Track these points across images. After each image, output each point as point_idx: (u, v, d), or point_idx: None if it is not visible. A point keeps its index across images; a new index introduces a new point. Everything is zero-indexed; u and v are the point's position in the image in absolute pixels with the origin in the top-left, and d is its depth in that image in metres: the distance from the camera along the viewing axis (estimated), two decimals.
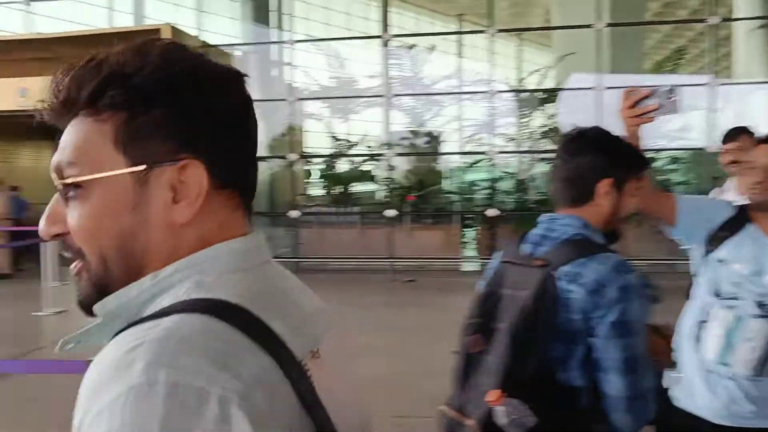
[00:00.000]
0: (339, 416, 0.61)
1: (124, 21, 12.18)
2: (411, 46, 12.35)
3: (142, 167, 0.63)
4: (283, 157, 11.32)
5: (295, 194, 11.50)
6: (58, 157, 0.66)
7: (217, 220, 0.66)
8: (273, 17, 12.22)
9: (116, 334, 0.59)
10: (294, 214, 10.96)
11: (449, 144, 12.93)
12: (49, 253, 7.57)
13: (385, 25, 10.97)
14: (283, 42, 11.35)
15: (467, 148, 12.71)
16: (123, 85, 0.62)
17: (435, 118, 12.76)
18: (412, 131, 12.25)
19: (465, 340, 1.52)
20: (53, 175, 0.66)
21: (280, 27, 12.25)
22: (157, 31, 9.73)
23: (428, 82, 12.72)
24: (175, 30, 9.99)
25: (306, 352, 0.62)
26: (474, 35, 14.87)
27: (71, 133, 0.66)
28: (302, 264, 10.84)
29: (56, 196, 0.66)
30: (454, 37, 15.57)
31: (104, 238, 0.64)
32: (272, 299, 0.65)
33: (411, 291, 9.10)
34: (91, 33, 10.51)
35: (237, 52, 11.89)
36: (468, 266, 10.71)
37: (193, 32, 11.11)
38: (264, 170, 12.09)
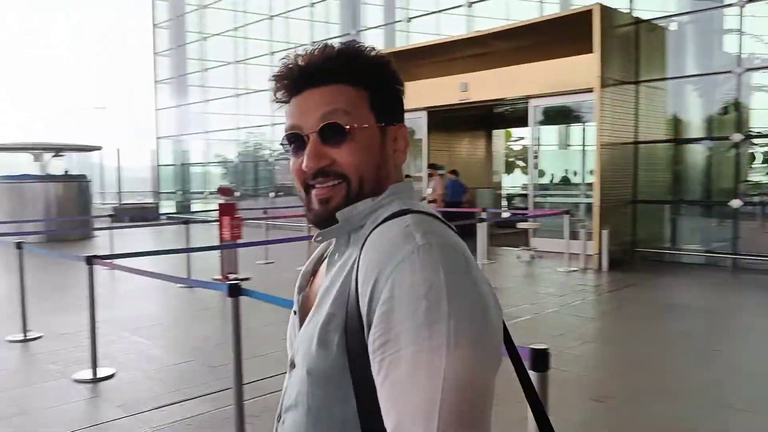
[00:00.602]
0: None
1: (553, 10, 12.32)
2: None
3: (383, 124, 0.99)
4: (725, 138, 9.88)
5: (737, 181, 9.91)
6: (333, 106, 0.94)
7: (397, 170, 1.03)
8: None
9: (344, 235, 0.98)
10: (735, 203, 9.48)
11: None
12: (480, 233, 8.13)
13: None
14: (729, 5, 9.81)
15: None
16: (377, 71, 0.99)
17: None
18: None
19: None
20: (316, 120, 0.95)
21: None
22: (587, 12, 9.49)
23: None
24: (605, 8, 9.60)
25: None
26: None
27: (339, 93, 0.96)
28: (740, 262, 9.31)
29: (315, 138, 0.95)
30: None
31: (366, 166, 0.96)
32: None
33: None
34: (523, 24, 10.90)
35: (672, 25, 10.84)
36: None
37: (624, 9, 10.50)
38: (700, 153, 10.78)
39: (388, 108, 0.99)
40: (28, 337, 5.73)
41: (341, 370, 0.85)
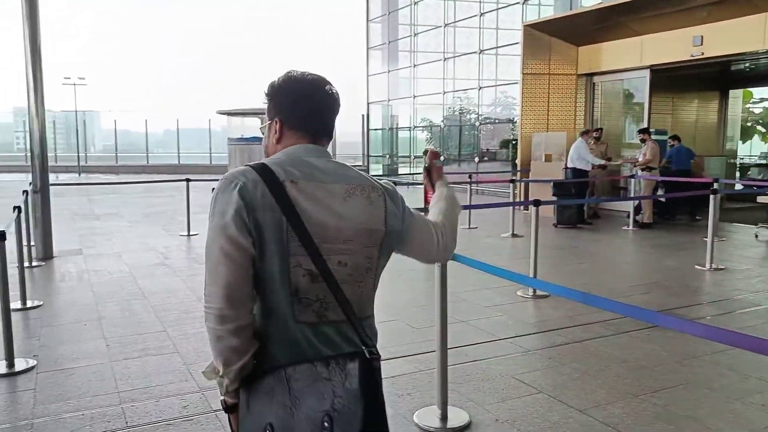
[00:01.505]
0: (311, 224, 1.43)
1: None
2: None
3: (269, 121, 1.62)
4: None
5: None
6: None
7: (286, 144, 1.57)
8: None
9: None
10: None
11: None
12: (712, 206, 7.18)
13: None
14: None
15: None
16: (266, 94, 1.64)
17: None
18: None
19: None
20: None
21: None
22: None
23: None
24: None
25: (289, 179, 1.44)
26: None
27: None
28: None
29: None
30: None
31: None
32: (288, 163, 1.49)
33: None
34: None
35: None
36: None
37: None
38: None
39: (270, 111, 1.63)
40: None
41: None
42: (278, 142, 1.58)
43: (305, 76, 1.58)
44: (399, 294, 5.96)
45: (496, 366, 4.07)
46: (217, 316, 1.38)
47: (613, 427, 3.18)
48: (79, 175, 27.05)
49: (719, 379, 3.82)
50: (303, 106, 1.56)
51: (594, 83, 13.39)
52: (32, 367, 4.02)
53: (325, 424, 1.25)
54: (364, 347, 1.36)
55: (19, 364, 4.04)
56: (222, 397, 1.49)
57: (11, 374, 3.92)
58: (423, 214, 1.74)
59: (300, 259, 1.41)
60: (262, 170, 1.44)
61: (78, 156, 29.88)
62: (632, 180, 11.00)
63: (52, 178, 8.80)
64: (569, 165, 11.27)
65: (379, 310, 5.06)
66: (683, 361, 4.11)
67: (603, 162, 11.32)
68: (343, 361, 1.30)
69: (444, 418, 3.24)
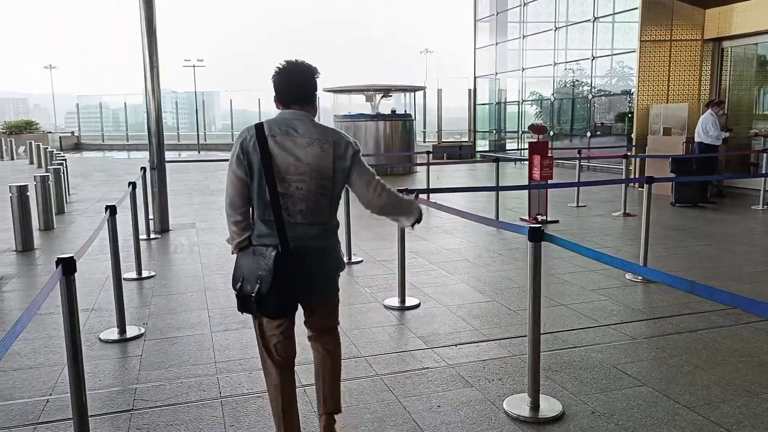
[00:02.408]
0: (279, 164, 2.37)
1: None
2: None
3: None
4: None
5: None
6: None
7: (279, 110, 2.50)
8: None
9: None
10: None
11: None
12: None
13: None
14: None
15: None
16: None
17: None
18: None
19: None
20: None
21: None
22: None
23: None
24: None
25: (271, 134, 2.38)
26: None
27: None
28: None
29: None
30: None
31: None
32: (275, 122, 2.43)
33: None
34: None
35: None
36: None
37: None
38: None
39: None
40: (353, 261, 6.34)
41: None
42: (277, 108, 2.51)
43: (283, 64, 2.48)
44: (499, 273, 5.78)
45: (597, 354, 3.82)
46: (226, 213, 2.49)
47: (726, 428, 2.88)
48: (199, 152, 28.61)
49: None
50: (277, 84, 2.47)
51: (723, 49, 12.25)
52: (141, 335, 4.26)
53: (258, 280, 2.37)
54: (288, 243, 2.39)
55: (131, 331, 4.30)
56: (231, 251, 2.55)
57: (122, 340, 4.17)
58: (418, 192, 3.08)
59: (269, 184, 2.37)
60: (258, 128, 2.40)
61: (197, 134, 31.60)
62: (764, 155, 10.00)
63: (174, 155, 9.30)
64: (696, 139, 10.41)
65: (476, 291, 5.05)
66: None
67: (725, 134, 10.37)
68: (271, 249, 2.38)
69: (535, 407, 3.08)
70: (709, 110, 10.26)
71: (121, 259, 4.44)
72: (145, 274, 5.86)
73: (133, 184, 5.82)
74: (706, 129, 10.12)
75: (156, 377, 3.55)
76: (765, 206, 9.51)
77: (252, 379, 3.50)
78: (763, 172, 10.01)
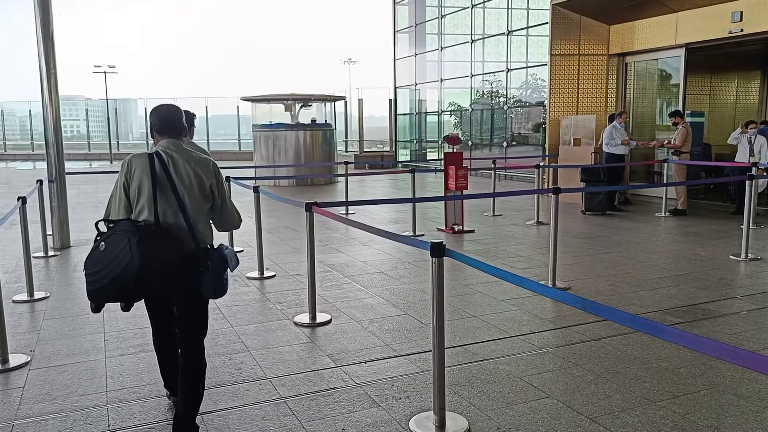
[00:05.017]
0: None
1: None
2: None
3: None
4: None
5: None
6: None
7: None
8: None
9: None
10: None
11: None
12: (748, 192, 6.76)
13: None
14: None
15: None
16: None
17: None
18: None
19: None
20: None
21: None
22: None
23: None
24: None
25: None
26: None
27: None
28: None
29: None
30: None
31: None
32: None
33: None
34: None
35: None
36: None
37: None
38: None
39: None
40: (264, 276, 6.15)
41: None
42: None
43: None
44: (413, 285, 5.74)
45: (505, 366, 3.82)
46: None
47: None
48: (111, 162, 27.39)
49: (748, 384, 3.51)
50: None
51: (626, 63, 12.85)
52: (26, 363, 3.93)
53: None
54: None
55: (14, 360, 3.96)
56: None
57: (4, 371, 3.83)
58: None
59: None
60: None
61: (110, 144, 30.26)
62: (665, 165, 10.52)
63: (84, 165, 8.78)
64: (604, 150, 10.84)
65: (390, 304, 4.88)
66: (709, 362, 3.80)
67: (634, 143, 10.95)
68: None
69: (441, 425, 3.02)
70: (615, 122, 10.72)
71: (12, 279, 4.09)
72: (37, 295, 5.46)
73: (23, 199, 5.40)
74: (612, 137, 10.58)
75: (38, 411, 3.26)
76: (667, 213, 10.00)
77: (145, 408, 3.27)
78: (665, 181, 10.53)
